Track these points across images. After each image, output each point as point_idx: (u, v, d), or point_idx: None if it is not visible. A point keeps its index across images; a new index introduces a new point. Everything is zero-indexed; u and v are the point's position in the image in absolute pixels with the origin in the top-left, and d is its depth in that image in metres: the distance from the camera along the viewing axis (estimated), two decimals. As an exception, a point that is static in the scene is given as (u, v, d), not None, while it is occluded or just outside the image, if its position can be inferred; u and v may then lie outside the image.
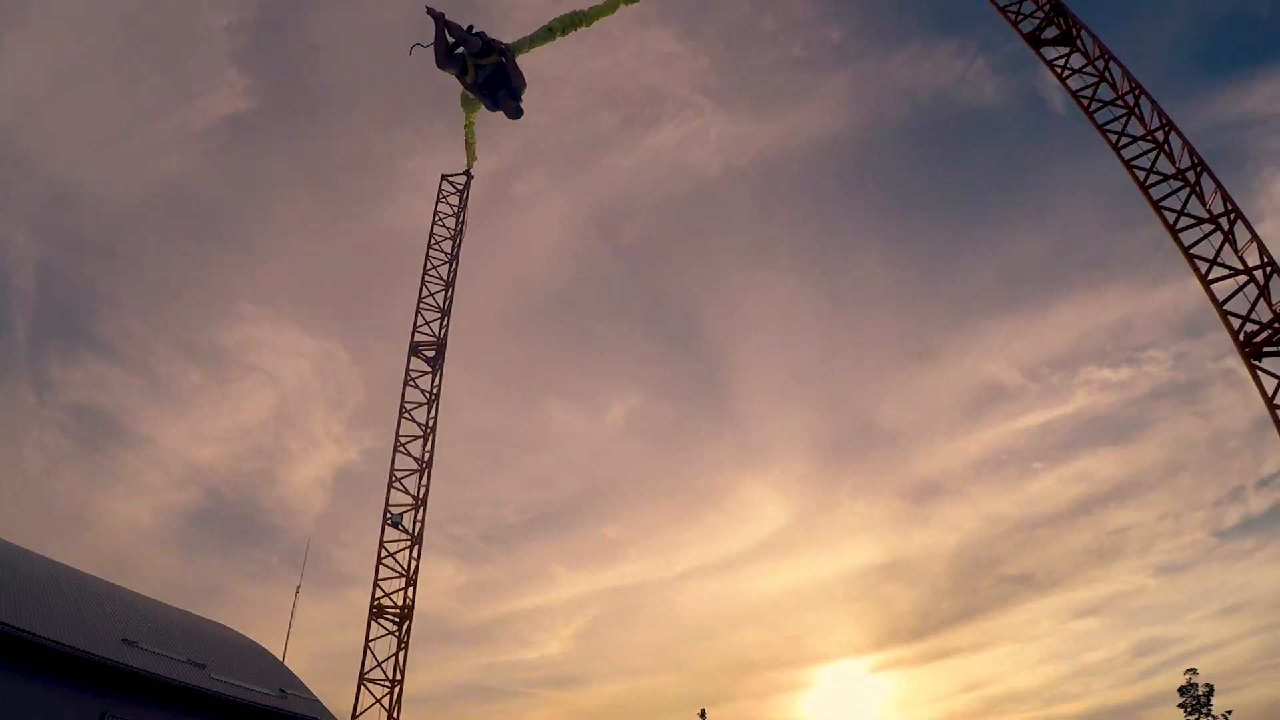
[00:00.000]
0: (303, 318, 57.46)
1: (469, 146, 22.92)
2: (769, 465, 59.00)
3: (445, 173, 25.28)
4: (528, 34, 12.37)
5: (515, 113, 12.28)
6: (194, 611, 24.78)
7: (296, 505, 56.58)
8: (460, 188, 25.27)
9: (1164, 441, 53.03)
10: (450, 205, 25.04)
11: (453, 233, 24.88)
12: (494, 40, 11.88)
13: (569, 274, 61.88)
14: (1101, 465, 54.10)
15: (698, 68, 57.86)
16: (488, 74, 11.85)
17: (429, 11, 11.55)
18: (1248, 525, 50.57)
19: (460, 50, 11.74)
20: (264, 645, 25.25)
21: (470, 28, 11.72)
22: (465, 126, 20.18)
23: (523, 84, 12.03)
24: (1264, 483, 48.80)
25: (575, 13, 13.13)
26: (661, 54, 56.10)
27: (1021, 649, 52.75)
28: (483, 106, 12.77)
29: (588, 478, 61.66)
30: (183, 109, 51.11)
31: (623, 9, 13.63)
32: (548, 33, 12.55)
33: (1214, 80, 57.35)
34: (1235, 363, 17.68)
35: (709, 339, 61.51)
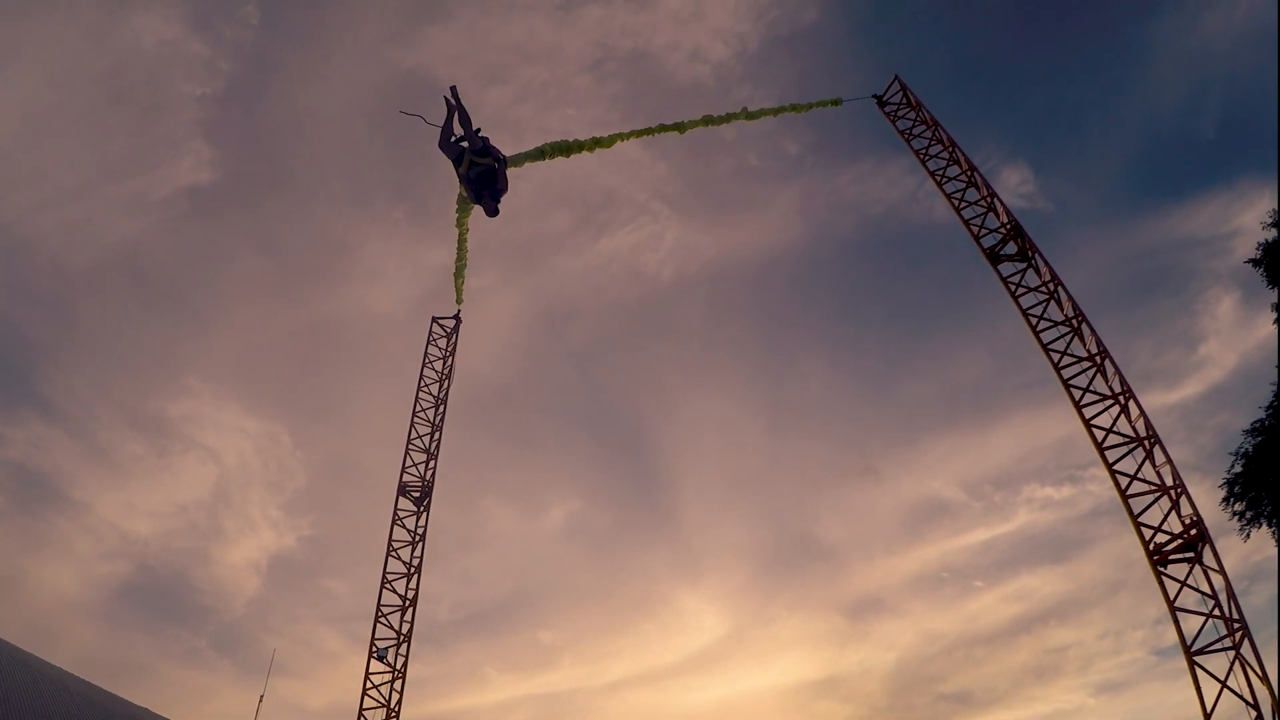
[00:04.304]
0: (247, 396, 57.45)
1: (459, 275, 22.96)
2: (706, 575, 60.91)
3: (436, 315, 25.87)
4: (524, 150, 14.16)
5: (493, 211, 13.47)
6: (107, 689, 24.09)
7: (229, 588, 57.31)
8: (450, 330, 25.93)
9: (1104, 560, 55.59)
10: (439, 348, 25.66)
11: (441, 375, 25.68)
12: (494, 147, 13.09)
13: (515, 372, 63.14)
14: (1042, 583, 56.17)
15: (656, 174, 59.60)
16: (479, 172, 12.93)
17: (450, 95, 12.67)
18: (1188, 643, 53.08)
19: (464, 143, 12.84)
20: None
21: (478, 130, 12.90)
22: (459, 238, 19.45)
23: (505, 189, 13.44)
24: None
25: (565, 141, 15.46)
26: (623, 159, 57.27)
27: (960, 767, 54.98)
28: (475, 208, 14.19)
29: (523, 579, 63.62)
30: (146, 174, 50.64)
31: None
32: (539, 154, 14.63)
33: (1159, 200, 60.54)
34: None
35: (651, 445, 63.43)
